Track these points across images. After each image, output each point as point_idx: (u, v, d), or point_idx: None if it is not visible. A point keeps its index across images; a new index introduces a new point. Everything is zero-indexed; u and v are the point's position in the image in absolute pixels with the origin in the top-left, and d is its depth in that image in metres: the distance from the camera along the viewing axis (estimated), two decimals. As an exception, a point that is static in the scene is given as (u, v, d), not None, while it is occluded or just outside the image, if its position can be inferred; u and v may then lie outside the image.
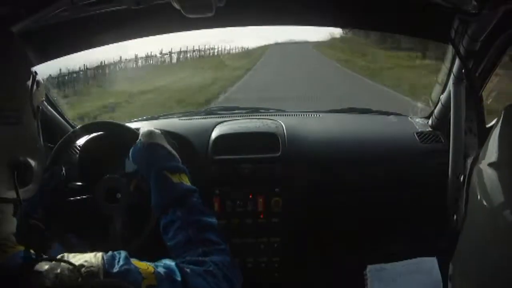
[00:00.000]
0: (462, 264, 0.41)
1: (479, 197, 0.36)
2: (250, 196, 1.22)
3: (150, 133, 0.96)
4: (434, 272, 0.87)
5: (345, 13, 1.06)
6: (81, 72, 9.65)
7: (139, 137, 0.96)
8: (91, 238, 1.02)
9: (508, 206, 0.32)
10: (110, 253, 0.65)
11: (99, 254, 0.64)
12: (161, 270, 0.67)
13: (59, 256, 0.62)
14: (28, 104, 0.64)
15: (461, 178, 0.46)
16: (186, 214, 0.83)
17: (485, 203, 0.35)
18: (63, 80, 8.60)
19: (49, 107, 1.32)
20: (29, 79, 0.66)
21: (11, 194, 0.60)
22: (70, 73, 9.08)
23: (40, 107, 0.69)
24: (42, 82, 0.71)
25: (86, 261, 0.62)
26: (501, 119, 0.39)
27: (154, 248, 1.00)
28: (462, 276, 0.41)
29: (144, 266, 0.66)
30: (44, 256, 0.60)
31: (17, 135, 0.62)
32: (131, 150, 0.96)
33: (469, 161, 0.86)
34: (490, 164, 0.35)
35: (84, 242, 1.01)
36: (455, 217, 0.48)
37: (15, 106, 0.62)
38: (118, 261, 0.64)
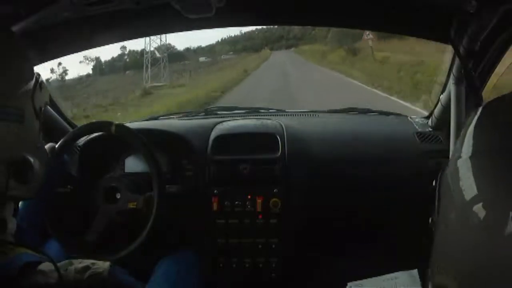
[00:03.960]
0: (438, 268, 0.40)
1: (451, 195, 0.35)
2: (249, 197, 1.22)
3: None
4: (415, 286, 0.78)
5: (345, 13, 1.06)
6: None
7: None
8: (89, 238, 1.02)
9: (479, 199, 0.30)
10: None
11: (107, 262, 0.66)
12: None
13: (66, 261, 0.63)
14: (30, 104, 0.64)
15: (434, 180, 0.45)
16: None
17: (456, 200, 0.34)
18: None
19: (48, 107, 1.32)
20: (32, 79, 0.66)
21: (13, 192, 0.60)
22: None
23: (43, 109, 0.69)
24: (46, 84, 0.71)
25: (92, 263, 0.64)
26: (477, 115, 0.38)
27: (153, 249, 1.01)
28: (440, 278, 0.39)
29: None
30: (48, 257, 0.61)
31: (19, 133, 0.62)
32: None
33: None
34: (463, 159, 0.34)
35: (81, 242, 1.01)
36: (430, 220, 0.47)
37: (18, 105, 0.62)
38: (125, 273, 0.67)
